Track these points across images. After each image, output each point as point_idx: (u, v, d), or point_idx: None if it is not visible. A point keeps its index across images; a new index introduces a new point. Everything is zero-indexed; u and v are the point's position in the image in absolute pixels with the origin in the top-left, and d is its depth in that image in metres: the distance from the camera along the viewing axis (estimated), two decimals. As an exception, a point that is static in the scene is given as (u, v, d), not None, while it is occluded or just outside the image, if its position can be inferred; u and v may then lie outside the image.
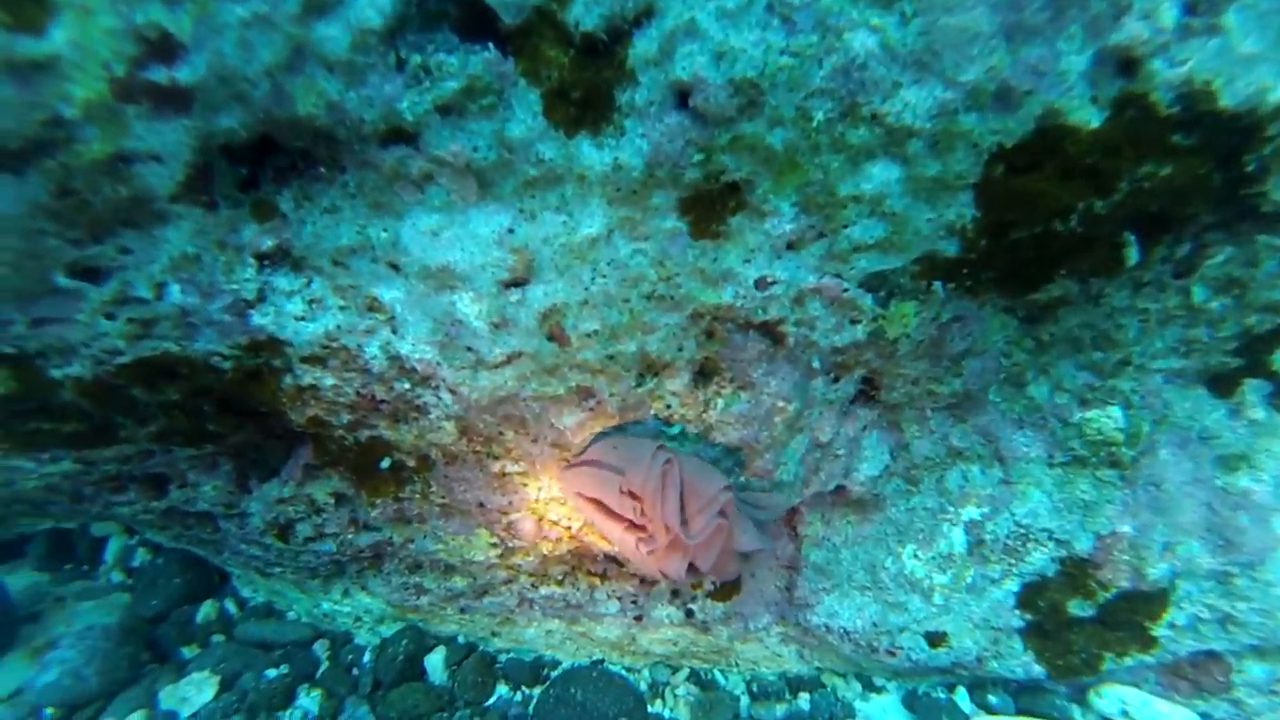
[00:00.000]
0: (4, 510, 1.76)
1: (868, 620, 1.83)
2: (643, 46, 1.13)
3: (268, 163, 1.25)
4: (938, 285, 1.39)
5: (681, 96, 1.17)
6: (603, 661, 2.08)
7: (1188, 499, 1.69)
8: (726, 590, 1.90)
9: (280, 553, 1.89)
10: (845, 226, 1.30)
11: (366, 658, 2.06)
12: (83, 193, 1.13)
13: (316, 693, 1.97)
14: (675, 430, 1.56)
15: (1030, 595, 1.77)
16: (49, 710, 1.92)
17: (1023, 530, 1.75)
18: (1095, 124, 1.16)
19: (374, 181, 1.25)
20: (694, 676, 2.07)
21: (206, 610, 2.20)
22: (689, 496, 1.46)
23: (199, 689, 1.95)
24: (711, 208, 1.30)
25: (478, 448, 1.57)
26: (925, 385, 1.61)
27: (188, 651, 2.11)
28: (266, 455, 1.74)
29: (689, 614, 1.93)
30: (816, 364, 1.52)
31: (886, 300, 1.41)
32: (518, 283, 1.34)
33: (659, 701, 2.01)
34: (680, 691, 2.03)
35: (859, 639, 1.84)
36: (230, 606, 2.24)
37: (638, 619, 1.94)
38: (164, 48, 1.03)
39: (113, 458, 1.59)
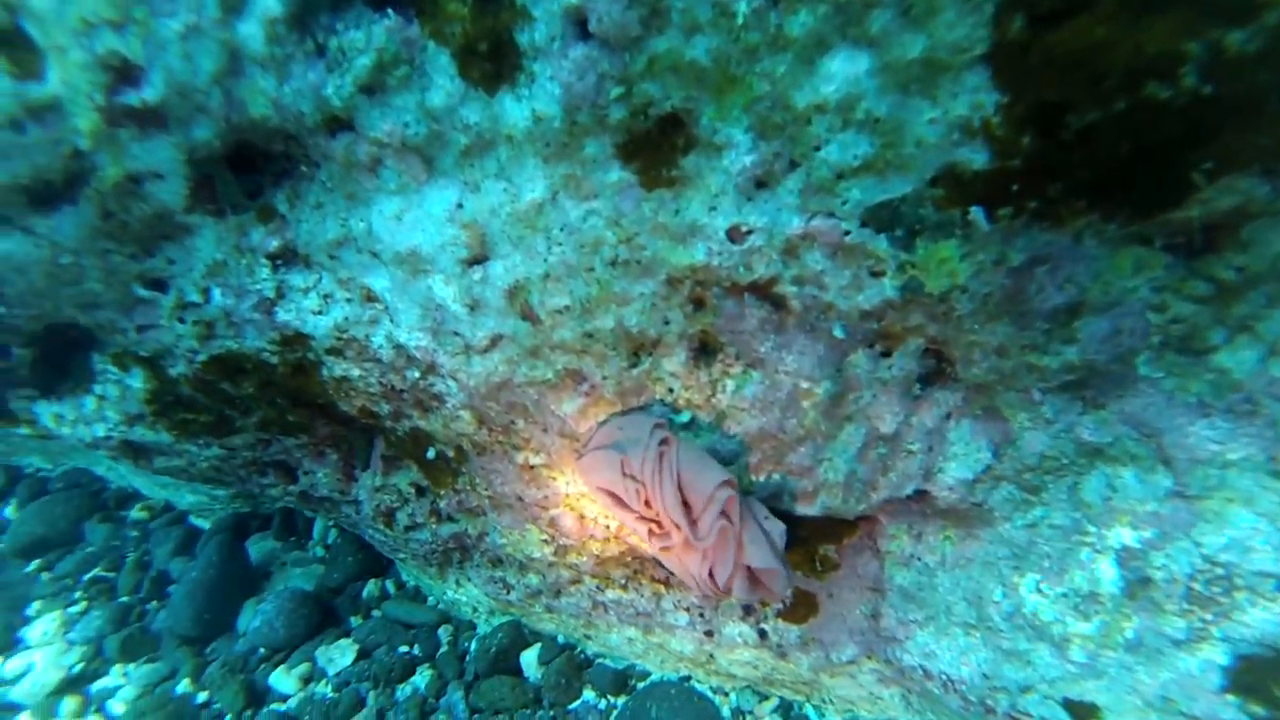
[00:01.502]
0: (242, 489, 2.16)
1: (976, 669, 1.39)
2: (528, -25, 1.00)
3: (266, 169, 1.36)
4: (977, 213, 1.00)
5: (581, 25, 1.01)
6: (689, 679, 1.89)
7: None
8: (800, 611, 1.59)
9: (393, 539, 2.05)
10: (817, 148, 1.01)
11: (474, 647, 2.14)
12: (119, 214, 1.33)
13: (430, 673, 2.10)
14: (684, 418, 1.35)
15: (1254, 674, 1.17)
16: (262, 649, 2.32)
17: (1219, 570, 1.17)
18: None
19: (338, 173, 1.28)
20: (783, 708, 1.78)
21: (370, 587, 2.47)
22: (688, 491, 1.25)
23: (343, 653, 2.21)
24: (657, 150, 1.09)
25: (500, 438, 1.53)
26: (1021, 357, 1.17)
27: (355, 620, 2.39)
28: (356, 447, 1.90)
29: (762, 635, 1.66)
30: (840, 333, 1.19)
31: (909, 241, 1.06)
32: (477, 260, 1.28)
33: (738, 730, 1.77)
34: None
35: (967, 693, 1.41)
36: (390, 587, 2.49)
37: (708, 634, 1.72)
38: (125, 72, 1.16)
39: (242, 445, 1.86)
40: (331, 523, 2.85)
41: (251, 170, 1.35)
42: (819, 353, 1.22)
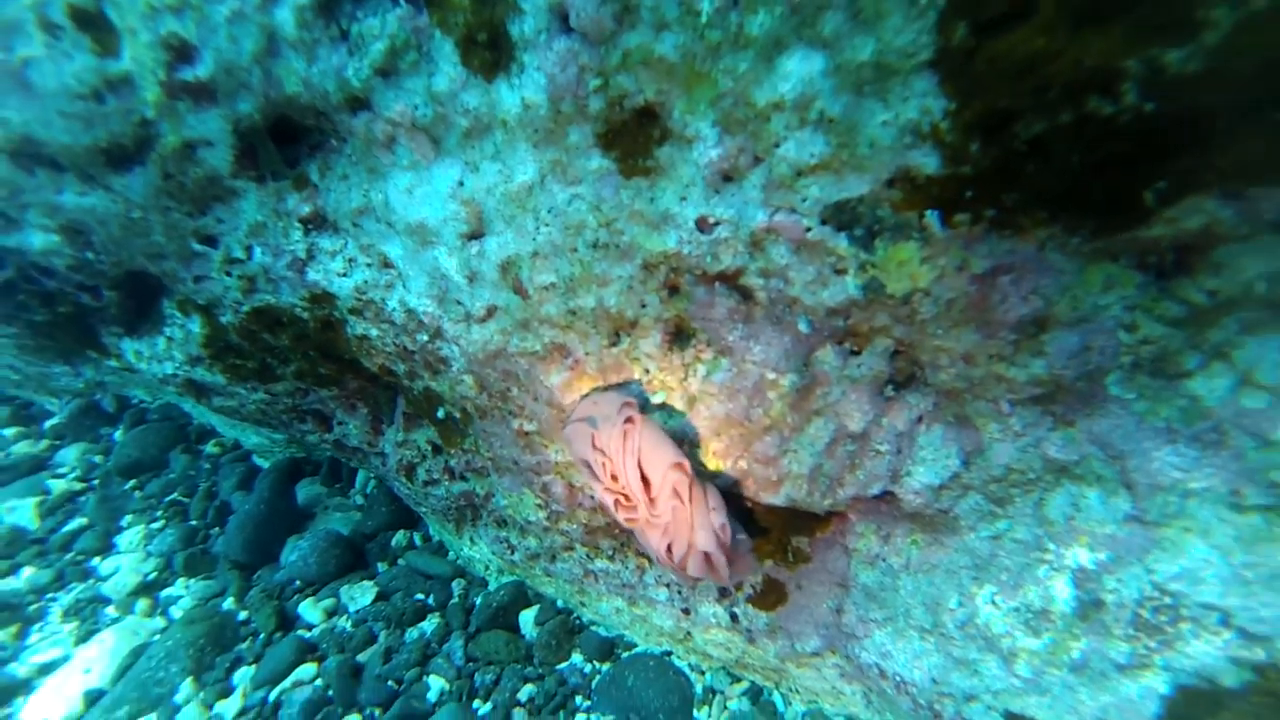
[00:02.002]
0: (288, 434, 2.37)
1: (927, 673, 1.38)
2: (517, -30, 1.07)
3: (303, 141, 1.49)
4: (931, 217, 1.01)
5: (564, 19, 1.07)
6: (670, 654, 1.95)
7: None
8: (770, 599, 1.62)
9: (414, 493, 2.20)
10: (777, 144, 1.04)
11: (479, 601, 2.27)
12: (177, 175, 1.50)
13: (438, 621, 2.24)
14: (659, 398, 1.40)
15: (1190, 706, 1.14)
16: (297, 581, 2.54)
17: (1167, 599, 1.13)
18: (1083, -66, 0.73)
19: (360, 148, 1.40)
20: (752, 692, 1.81)
21: (399, 538, 2.65)
22: (647, 469, 1.31)
23: (365, 594, 2.39)
24: (634, 140, 1.15)
25: (498, 403, 1.63)
26: (989, 366, 1.17)
27: (381, 566, 2.57)
28: (382, 403, 2.05)
29: (734, 618, 1.70)
30: (804, 327, 1.22)
31: (869, 241, 1.07)
32: (475, 235, 1.37)
33: (706, 707, 1.81)
34: (732, 704, 1.79)
35: (917, 695, 1.40)
36: (417, 539, 2.66)
37: (685, 612, 1.77)
38: (183, 51, 1.32)
39: (282, 392, 2.04)
40: (371, 475, 3.07)
41: (292, 142, 1.49)
42: (785, 345, 1.25)
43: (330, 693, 2.01)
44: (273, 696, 2.04)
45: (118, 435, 3.35)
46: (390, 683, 2.04)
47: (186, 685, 2.08)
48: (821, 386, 1.29)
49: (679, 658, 1.94)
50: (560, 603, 2.19)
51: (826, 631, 1.57)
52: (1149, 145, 0.85)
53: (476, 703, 1.96)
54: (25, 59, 1.36)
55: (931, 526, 1.38)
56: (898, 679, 1.44)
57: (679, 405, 1.39)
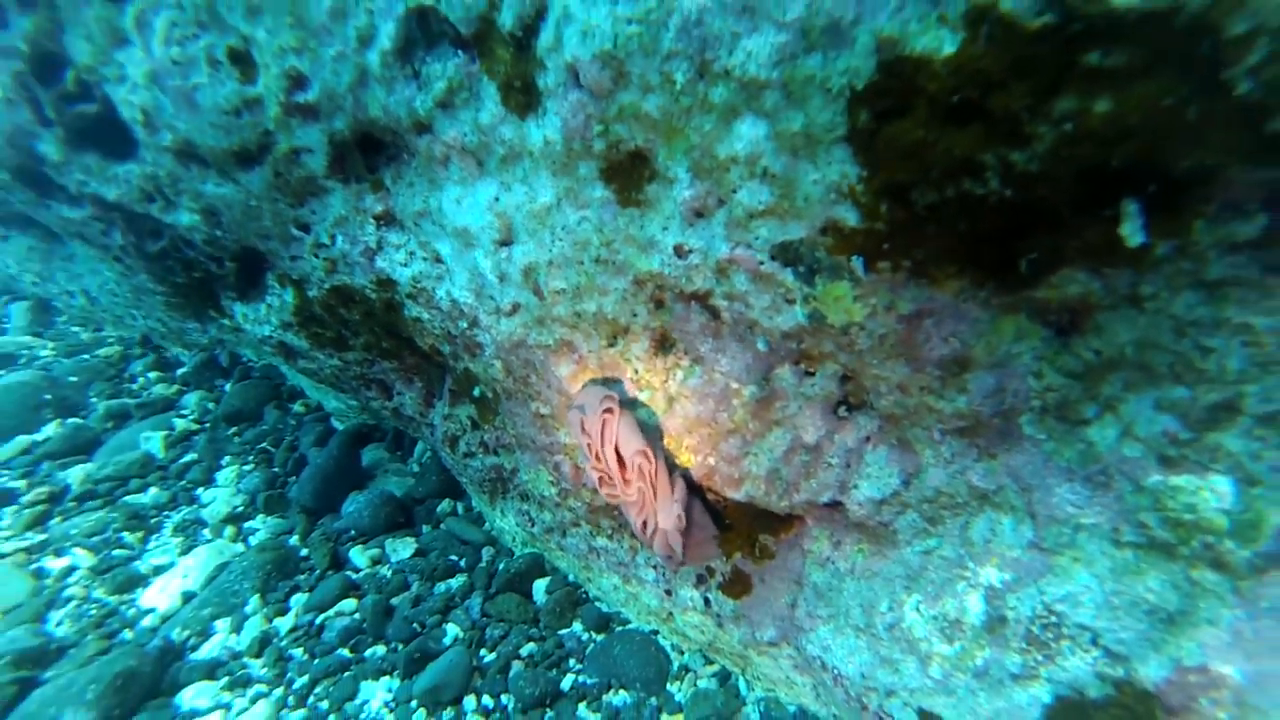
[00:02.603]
0: (357, 399, 2.73)
1: (858, 668, 1.53)
2: (544, 37, 1.32)
3: (382, 153, 1.81)
4: (856, 263, 1.19)
5: (575, 76, 1.32)
6: (657, 633, 2.15)
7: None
8: (737, 588, 1.79)
9: (456, 464, 2.50)
10: (734, 191, 1.24)
11: (501, 567, 2.54)
12: (285, 174, 1.85)
13: (464, 579, 2.53)
14: (645, 395, 1.62)
15: (1065, 715, 1.24)
16: (352, 530, 2.90)
17: (1053, 618, 1.25)
18: (949, 50, 0.91)
19: (422, 163, 1.70)
20: (721, 674, 1.98)
21: (444, 505, 2.96)
22: (623, 452, 1.53)
23: (406, 548, 2.71)
24: (629, 176, 1.38)
25: (520, 387, 1.89)
26: (918, 397, 1.32)
27: (425, 528, 2.89)
28: (434, 379, 2.36)
29: (707, 603, 1.88)
30: (763, 346, 1.41)
31: (810, 277, 1.26)
32: (505, 243, 1.64)
33: (678, 683, 2.00)
34: (701, 683, 1.97)
35: (849, 687, 1.55)
36: (460, 508, 2.97)
37: (668, 593, 1.97)
38: (299, 80, 1.65)
39: (353, 360, 2.39)
40: (426, 446, 3.41)
41: (373, 152, 1.81)
42: (747, 360, 1.45)
43: (365, 624, 2.33)
44: (319, 620, 2.38)
45: (227, 387, 3.87)
46: (415, 624, 2.34)
47: (254, 600, 2.46)
48: (780, 400, 1.48)
49: (663, 637, 2.14)
50: (571, 577, 2.43)
51: (781, 624, 1.74)
52: (1015, 223, 1.01)
53: (484, 651, 2.22)
54: (195, 85, 1.73)
55: (876, 538, 1.54)
56: (835, 671, 1.59)
57: (660, 402, 1.60)
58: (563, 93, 1.35)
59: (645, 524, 1.56)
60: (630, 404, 1.63)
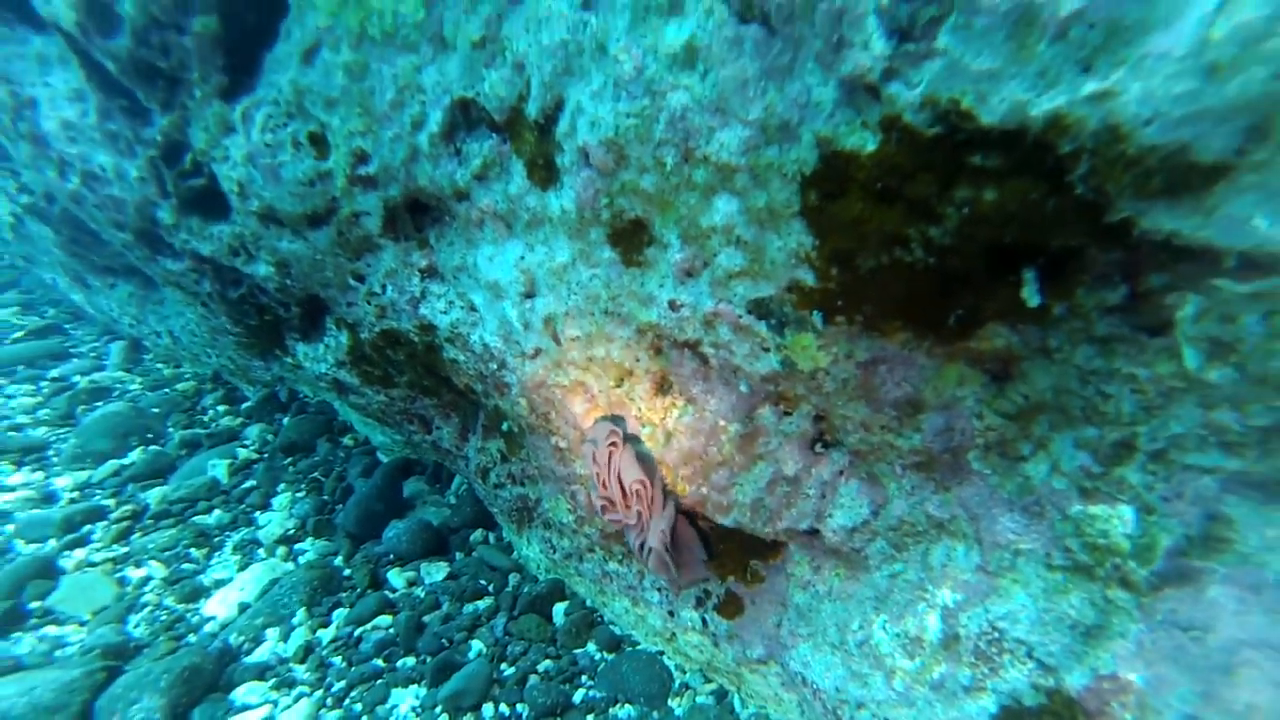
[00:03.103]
0: (401, 433, 3.01)
1: (832, 682, 1.66)
2: (562, 125, 1.59)
3: (427, 214, 2.09)
4: (816, 316, 1.39)
5: (586, 157, 1.57)
6: (662, 654, 2.31)
7: (1250, 670, 1.10)
8: (731, 609, 1.95)
9: (488, 495, 2.73)
10: (715, 255, 1.47)
11: (526, 590, 2.74)
12: (346, 234, 2.15)
13: (490, 601, 2.74)
14: (647, 430, 1.83)
15: None
16: (391, 555, 3.14)
17: (996, 634, 1.38)
18: (871, 147, 1.12)
19: (461, 225, 1.97)
20: (719, 693, 2.12)
21: (477, 535, 3.19)
22: (624, 482, 1.73)
23: (440, 572, 2.94)
24: (631, 241, 1.62)
25: (542, 422, 2.12)
26: (880, 435, 1.50)
27: (458, 555, 3.12)
28: (469, 415, 2.61)
29: (704, 623, 2.04)
30: (745, 389, 1.61)
31: (780, 329, 1.46)
32: (529, 295, 1.89)
33: (678, 698, 2.15)
34: (699, 699, 2.12)
35: (825, 700, 1.68)
36: (492, 538, 3.19)
37: (670, 614, 2.14)
38: (362, 157, 1.96)
39: (398, 396, 2.67)
40: (463, 480, 3.66)
41: (420, 214, 2.10)
42: (732, 401, 1.65)
43: (398, 638, 2.55)
44: (357, 633, 2.61)
45: (285, 421, 4.20)
46: (443, 640, 2.54)
47: (301, 612, 2.70)
48: (762, 437, 1.67)
49: (668, 657, 2.30)
50: (589, 602, 2.61)
51: (769, 642, 1.89)
52: (940, 286, 1.20)
53: (504, 665, 2.41)
54: (280, 162, 2.06)
55: (850, 563, 1.70)
56: (814, 686, 1.74)
57: (660, 437, 1.81)
58: (576, 170, 1.60)
59: (641, 546, 1.75)
60: (633, 438, 1.84)
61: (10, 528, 3.24)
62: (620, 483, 1.75)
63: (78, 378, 4.76)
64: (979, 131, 1.00)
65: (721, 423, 1.68)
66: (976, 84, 0.97)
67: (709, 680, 2.20)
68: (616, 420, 1.87)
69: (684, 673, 2.26)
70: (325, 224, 2.14)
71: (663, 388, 1.78)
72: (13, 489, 3.56)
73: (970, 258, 1.15)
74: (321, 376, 2.79)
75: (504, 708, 2.24)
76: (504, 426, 2.33)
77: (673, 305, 1.61)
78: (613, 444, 1.76)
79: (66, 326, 5.60)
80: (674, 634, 2.19)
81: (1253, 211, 0.88)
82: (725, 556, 1.94)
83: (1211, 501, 1.17)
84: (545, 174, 1.70)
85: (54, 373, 4.83)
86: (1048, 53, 0.90)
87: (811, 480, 1.67)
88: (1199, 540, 1.18)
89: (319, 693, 2.35)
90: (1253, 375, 1.02)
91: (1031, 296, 1.14)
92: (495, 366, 2.12)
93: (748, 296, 1.47)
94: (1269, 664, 1.11)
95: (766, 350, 1.52)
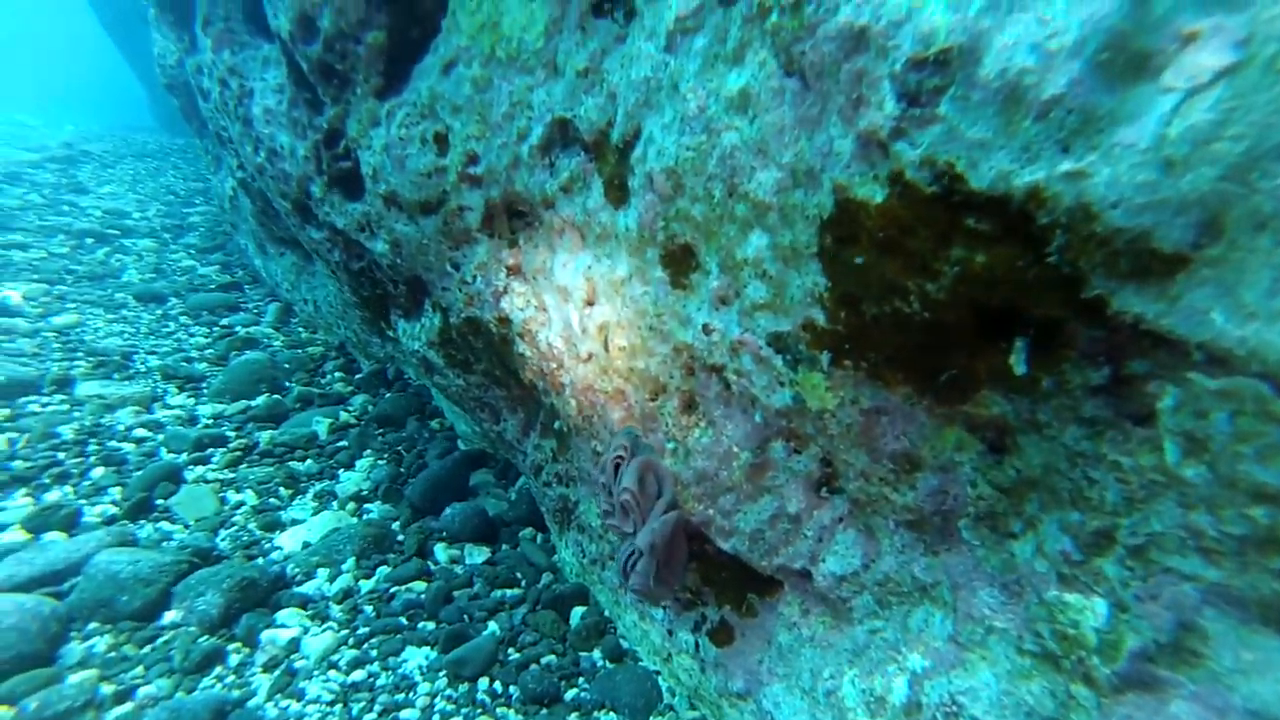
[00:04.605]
0: (474, 420, 3.27)
1: None
2: (637, 151, 1.76)
3: (521, 218, 2.32)
4: (824, 356, 1.45)
5: (651, 182, 1.73)
6: (659, 674, 2.34)
7: (1199, 794, 1.02)
8: (722, 636, 1.97)
9: (539, 492, 2.89)
10: (745, 286, 1.56)
11: (553, 589, 2.86)
12: (450, 224, 2.42)
13: (518, 591, 2.88)
14: (671, 445, 1.92)
15: None
16: (444, 532, 3.37)
17: (954, 708, 1.33)
18: (879, 199, 1.20)
19: (544, 231, 2.18)
20: None
21: (527, 532, 3.35)
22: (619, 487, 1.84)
23: (481, 556, 3.13)
24: (680, 265, 1.75)
25: (586, 425, 2.26)
26: (878, 486, 1.52)
27: (505, 546, 3.30)
28: (531, 411, 2.80)
29: (697, 646, 2.06)
30: (759, 419, 1.67)
31: (795, 365, 1.53)
32: (590, 303, 2.05)
33: (660, 718, 2.17)
34: None
35: None
36: (540, 537, 3.35)
37: (669, 633, 2.17)
38: (472, 158, 2.22)
39: (474, 383, 2.90)
40: (525, 480, 3.84)
41: (515, 218, 2.33)
42: (747, 429, 1.71)
43: (425, 603, 2.74)
44: (392, 590, 2.83)
45: (387, 395, 4.60)
46: (465, 614, 2.70)
47: (350, 561, 2.96)
48: (771, 470, 1.72)
49: (663, 679, 2.33)
50: (606, 611, 2.69)
51: (749, 677, 1.90)
52: (935, 341, 1.24)
53: (511, 650, 2.53)
54: (408, 154, 2.37)
55: (836, 613, 1.69)
56: (777, 729, 1.73)
57: (681, 454, 1.90)
58: (642, 193, 1.76)
59: (627, 559, 1.83)
60: (649, 449, 1.94)
61: (160, 436, 3.81)
62: (631, 492, 1.85)
63: (239, 328, 5.50)
64: (970, 195, 1.06)
65: (735, 449, 1.75)
66: (969, 151, 1.04)
67: (694, 708, 2.21)
68: (633, 434, 1.98)
69: (674, 695, 2.29)
70: (435, 213, 2.42)
71: (690, 407, 1.87)
72: (171, 408, 4.18)
73: (963, 316, 1.19)
74: (414, 353, 3.08)
75: (498, 685, 2.36)
76: (556, 425, 2.49)
77: (706, 329, 1.71)
78: (620, 456, 1.87)
79: (246, 286, 6.46)
80: (670, 654, 2.22)
81: (1211, 305, 0.88)
82: (726, 585, 1.98)
83: (1189, 610, 1.12)
84: (619, 194, 1.86)
85: (225, 321, 5.62)
86: (1031, 129, 0.96)
87: (812, 522, 1.69)
88: (1169, 648, 1.13)
89: (345, 632, 2.57)
90: (1223, 478, 0.99)
91: (1019, 364, 1.16)
92: (554, 365, 2.29)
93: (769, 329, 1.55)
94: (1219, 793, 1.04)
95: (782, 384, 1.59)
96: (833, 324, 1.40)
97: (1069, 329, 1.08)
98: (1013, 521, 1.35)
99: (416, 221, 2.52)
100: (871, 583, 1.60)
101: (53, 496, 3.26)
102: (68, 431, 3.79)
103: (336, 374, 4.94)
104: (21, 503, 3.19)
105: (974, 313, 1.17)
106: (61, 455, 3.59)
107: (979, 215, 1.08)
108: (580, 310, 2.09)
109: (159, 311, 5.70)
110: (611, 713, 2.25)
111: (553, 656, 2.52)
